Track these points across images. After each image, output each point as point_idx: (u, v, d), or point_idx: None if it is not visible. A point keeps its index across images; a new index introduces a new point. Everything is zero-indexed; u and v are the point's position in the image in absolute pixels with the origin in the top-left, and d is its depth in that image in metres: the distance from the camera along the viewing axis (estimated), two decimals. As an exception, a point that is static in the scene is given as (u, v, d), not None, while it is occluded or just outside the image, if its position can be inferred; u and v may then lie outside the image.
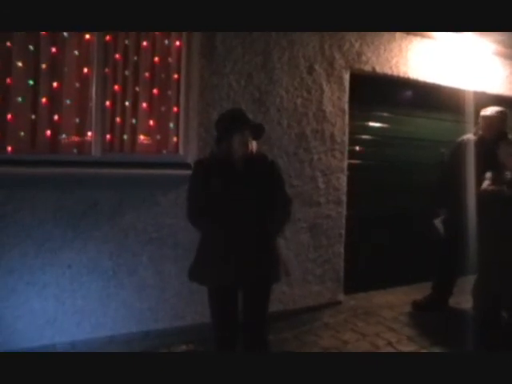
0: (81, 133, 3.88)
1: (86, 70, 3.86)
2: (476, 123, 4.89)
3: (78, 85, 3.84)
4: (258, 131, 3.01)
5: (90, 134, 3.87)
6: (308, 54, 4.63)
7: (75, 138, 3.87)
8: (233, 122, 2.94)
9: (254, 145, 3.00)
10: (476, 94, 5.71)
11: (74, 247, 3.70)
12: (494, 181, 4.34)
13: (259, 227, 2.95)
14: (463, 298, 4.79)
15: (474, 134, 4.78)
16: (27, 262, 3.54)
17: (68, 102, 3.81)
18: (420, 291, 5.20)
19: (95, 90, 3.85)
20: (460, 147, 4.79)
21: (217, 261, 2.92)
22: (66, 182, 3.65)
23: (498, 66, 6.07)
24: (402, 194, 5.52)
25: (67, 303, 3.67)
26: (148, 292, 3.97)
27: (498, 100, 5.58)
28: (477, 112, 5.11)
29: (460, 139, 4.87)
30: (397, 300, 5.23)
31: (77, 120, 3.86)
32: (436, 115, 5.82)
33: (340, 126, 4.86)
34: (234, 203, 2.90)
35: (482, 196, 4.34)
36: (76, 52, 3.82)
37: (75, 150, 3.85)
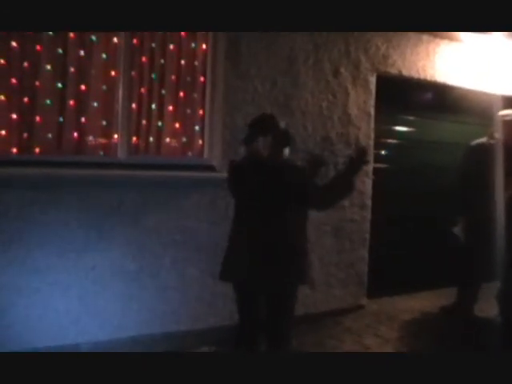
0: (107, 135, 3.92)
1: (112, 72, 3.89)
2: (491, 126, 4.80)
3: (104, 87, 3.88)
4: (284, 138, 3.02)
5: (116, 136, 3.91)
6: (333, 57, 4.60)
7: (101, 140, 3.91)
8: (257, 126, 2.99)
9: (286, 150, 3.04)
10: (502, 97, 5.61)
11: (98, 248, 3.74)
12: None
13: (283, 228, 2.94)
14: (488, 305, 4.73)
15: (490, 138, 4.66)
16: (52, 262, 3.58)
17: (95, 104, 3.85)
18: (443, 297, 5.16)
19: (122, 92, 3.88)
20: (476, 151, 4.69)
21: (238, 258, 2.98)
22: (92, 183, 3.70)
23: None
24: (427, 199, 5.46)
25: (90, 304, 3.71)
26: (170, 294, 3.99)
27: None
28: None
29: (474, 143, 4.76)
30: (420, 305, 5.19)
31: (103, 122, 3.90)
32: (462, 119, 5.74)
33: (365, 129, 4.83)
34: (257, 204, 2.94)
35: (509, 203, 4.29)
36: (103, 55, 3.86)
37: (101, 152, 3.90)
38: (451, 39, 5.29)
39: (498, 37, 5.26)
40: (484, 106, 5.54)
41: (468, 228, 4.63)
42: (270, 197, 2.92)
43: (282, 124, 3.04)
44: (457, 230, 4.67)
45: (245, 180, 3.02)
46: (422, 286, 5.54)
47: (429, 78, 5.20)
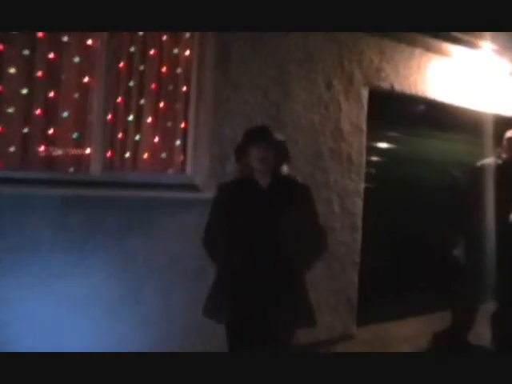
0: (79, 149, 3.44)
1: (86, 78, 3.44)
2: (497, 145, 4.56)
3: (77, 95, 3.42)
4: (283, 151, 2.68)
5: (88, 150, 3.44)
6: (326, 68, 4.27)
7: (72, 155, 3.43)
8: (252, 137, 2.64)
9: (284, 167, 2.72)
10: (490, 116, 5.40)
11: (77, 273, 3.27)
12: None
13: (283, 261, 2.61)
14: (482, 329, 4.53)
15: (497, 158, 4.41)
16: (22, 292, 3.07)
17: (65, 114, 3.38)
18: (434, 322, 4.88)
19: (96, 101, 3.43)
20: (482, 172, 4.40)
21: (232, 297, 2.61)
22: (65, 201, 3.21)
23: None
24: (421, 219, 5.17)
25: (66, 337, 3.17)
26: (154, 323, 3.53)
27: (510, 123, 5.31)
28: (493, 134, 4.86)
29: (481, 163, 4.48)
30: (412, 333, 4.86)
31: (75, 134, 3.42)
32: (450, 136, 5.50)
33: (357, 146, 4.51)
34: (255, 232, 2.58)
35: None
36: (76, 58, 3.40)
37: (72, 168, 3.42)
38: (442, 53, 5.05)
39: (487, 53, 5.05)
40: (471, 124, 5.34)
41: (470, 251, 4.33)
42: (276, 225, 2.58)
43: (279, 136, 2.68)
44: (456, 251, 4.37)
45: (242, 206, 2.63)
46: (412, 310, 5.21)
47: (420, 93, 4.93)
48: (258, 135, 2.62)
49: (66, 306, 3.22)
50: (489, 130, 5.09)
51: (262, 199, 2.61)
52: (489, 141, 5.01)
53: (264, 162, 2.58)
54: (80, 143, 3.45)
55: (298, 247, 2.67)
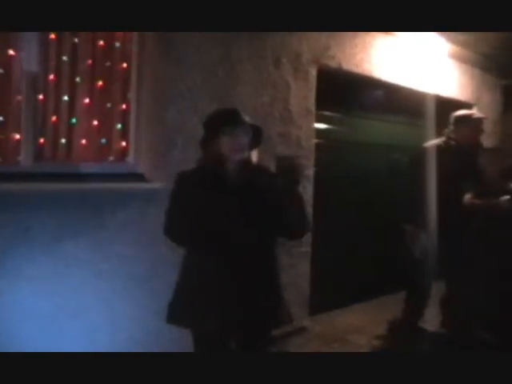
0: (5, 136, 2.94)
1: (10, 51, 2.93)
2: (441, 127, 4.45)
3: (0, 72, 2.90)
4: (255, 135, 2.37)
5: (17, 136, 2.95)
6: (275, 44, 3.96)
7: (-3, 143, 2.93)
8: (220, 121, 2.29)
9: (253, 155, 2.42)
10: (430, 96, 5.32)
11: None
12: (478, 193, 3.96)
13: (258, 258, 2.32)
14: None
15: (447, 139, 4.29)
16: None
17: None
18: (383, 308, 4.85)
19: (24, 79, 2.93)
20: (430, 153, 4.27)
21: (202, 299, 2.27)
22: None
23: (452, 68, 5.75)
24: (361, 206, 5.02)
25: None
26: (95, 336, 3.10)
27: (450, 104, 5.28)
28: (433, 116, 4.80)
29: (429, 144, 4.35)
30: (364, 321, 4.73)
31: (-1, 119, 2.92)
32: (393, 118, 5.39)
33: (306, 128, 4.25)
34: (225, 226, 2.24)
35: (469, 211, 3.95)
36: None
37: (-2, 159, 2.91)
38: (386, 33, 4.87)
39: (430, 33, 4.95)
40: (411, 105, 5.23)
41: (421, 236, 4.21)
42: (251, 220, 2.26)
43: (248, 119, 2.35)
44: (409, 238, 4.24)
45: (210, 201, 2.26)
46: (356, 297, 5.11)
47: (366, 72, 4.73)
48: (231, 119, 2.28)
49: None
50: (431, 111, 4.99)
51: (233, 192, 2.27)
52: (431, 123, 4.91)
53: (239, 151, 2.26)
54: (6, 129, 2.95)
55: (277, 236, 2.43)
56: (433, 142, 4.31)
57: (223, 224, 2.23)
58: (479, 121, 4.26)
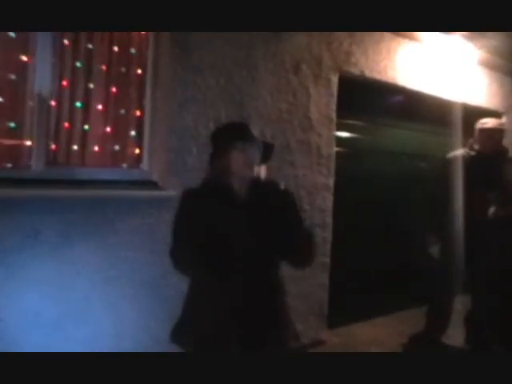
0: (17, 140, 2.93)
1: (23, 57, 2.92)
2: (468, 136, 4.31)
3: (13, 77, 2.90)
4: (266, 151, 2.26)
5: (29, 142, 2.93)
6: (294, 50, 3.88)
7: (9, 147, 2.92)
8: (231, 136, 2.19)
9: (263, 170, 2.28)
10: (457, 104, 5.17)
11: (5, 292, 2.75)
12: (504, 204, 3.81)
13: (266, 278, 2.24)
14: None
15: (470, 149, 4.16)
16: None
17: (-1, 99, 2.86)
18: (404, 321, 4.72)
19: (37, 84, 2.91)
20: (454, 163, 4.14)
21: (206, 321, 2.19)
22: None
23: (481, 76, 5.59)
24: (383, 216, 4.88)
25: None
26: (102, 344, 3.05)
27: (479, 113, 5.11)
28: (462, 125, 4.65)
29: (452, 155, 4.23)
30: (384, 334, 4.59)
31: (11, 124, 2.90)
32: (418, 127, 5.24)
33: (327, 136, 4.16)
34: (233, 246, 2.14)
35: (493, 223, 3.81)
36: (11, 32, 2.87)
37: (9, 164, 2.89)
38: (411, 38, 4.75)
39: (456, 38, 4.80)
40: (437, 113, 5.08)
41: (444, 248, 4.07)
42: (258, 240, 2.16)
43: (256, 133, 2.28)
44: (433, 250, 4.11)
45: (217, 219, 2.15)
46: (379, 310, 4.96)
47: (390, 80, 4.62)
48: (242, 134, 2.19)
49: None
50: (458, 120, 4.85)
51: (241, 210, 2.17)
52: (458, 131, 4.77)
53: (250, 167, 2.17)
54: (18, 134, 2.93)
55: (285, 260, 2.29)
56: (456, 153, 4.18)
57: (230, 242, 2.15)
58: (501, 131, 4.11)
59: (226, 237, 2.13)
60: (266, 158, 2.28)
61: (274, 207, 2.21)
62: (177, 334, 2.29)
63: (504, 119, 5.86)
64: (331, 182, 4.22)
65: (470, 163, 4.02)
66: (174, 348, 2.30)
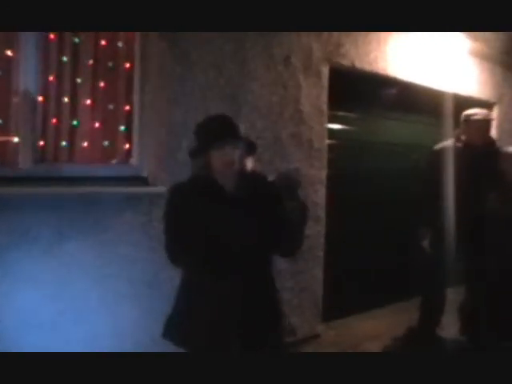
0: (3, 137, 2.87)
1: (8, 52, 2.86)
2: (455, 127, 4.28)
3: (-3, 73, 2.84)
4: (249, 146, 2.22)
5: (16, 139, 2.87)
6: (284, 42, 3.84)
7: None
8: (211, 135, 2.10)
9: (249, 162, 2.28)
10: (448, 95, 5.14)
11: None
12: (499, 197, 3.80)
13: (257, 271, 2.20)
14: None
15: (457, 141, 4.12)
16: None
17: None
18: (399, 314, 4.71)
19: (22, 79, 2.86)
20: (441, 155, 4.08)
21: (201, 318, 2.14)
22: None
23: (472, 66, 5.56)
24: (375, 208, 4.85)
25: None
26: (100, 343, 3.01)
27: (470, 103, 5.08)
28: (453, 115, 4.61)
29: (440, 146, 4.19)
30: (380, 327, 4.56)
31: (-3, 121, 2.84)
32: (409, 117, 5.21)
33: (318, 129, 4.12)
34: (221, 239, 2.09)
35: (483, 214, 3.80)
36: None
37: (-4, 162, 2.84)
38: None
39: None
40: (428, 104, 5.05)
41: (436, 240, 4.04)
42: (246, 234, 2.11)
43: (240, 125, 2.21)
44: (425, 242, 4.09)
45: (204, 213, 2.09)
46: (375, 302, 4.93)
47: (381, 71, 4.58)
48: (220, 131, 2.08)
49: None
50: (449, 110, 4.82)
51: (228, 205, 2.12)
52: (449, 122, 4.74)
53: (230, 166, 2.10)
54: (4, 131, 2.88)
55: (272, 252, 2.28)
56: (444, 144, 4.16)
57: (218, 236, 2.10)
58: (488, 121, 4.09)
59: (213, 230, 2.07)
60: (250, 151, 2.24)
61: (262, 199, 2.18)
62: (169, 331, 2.26)
63: (495, 109, 5.87)
64: (323, 174, 4.19)
65: (456, 155, 3.99)
66: (171, 345, 2.28)
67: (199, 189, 2.14)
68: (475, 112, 4.08)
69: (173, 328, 2.25)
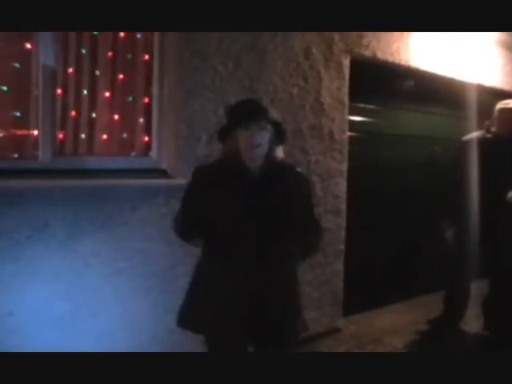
0: (23, 130, 2.88)
1: (27, 45, 2.86)
2: (484, 119, 4.18)
3: (17, 65, 2.84)
4: (278, 131, 2.17)
5: (35, 132, 2.87)
6: (304, 32, 3.77)
7: (15, 138, 2.87)
8: (239, 114, 2.11)
9: (279, 150, 2.22)
10: (472, 86, 5.04)
11: (15, 286, 2.70)
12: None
13: (278, 262, 2.17)
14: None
15: (487, 132, 4.04)
16: None
17: (3, 88, 2.80)
18: (420, 308, 4.68)
19: (41, 72, 2.85)
20: (469, 147, 4.01)
21: (217, 304, 2.13)
22: (4, 197, 2.65)
23: (496, 56, 5.43)
24: (397, 201, 4.77)
25: None
26: (115, 337, 3.02)
27: (494, 94, 4.98)
28: (476, 106, 4.53)
29: (468, 137, 4.12)
30: (400, 322, 4.50)
31: (16, 113, 2.85)
32: (432, 109, 5.12)
33: (339, 121, 4.06)
34: (244, 226, 2.09)
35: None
36: (14, 20, 2.81)
37: (15, 155, 2.85)
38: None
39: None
40: (452, 95, 4.96)
41: (461, 232, 3.97)
42: (268, 222, 2.10)
43: (273, 112, 2.18)
44: (449, 233, 4.02)
45: (226, 198, 2.10)
46: (396, 297, 4.87)
47: (403, 62, 4.49)
48: (247, 114, 2.08)
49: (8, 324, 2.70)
50: (473, 101, 4.72)
51: (252, 190, 2.10)
52: (472, 113, 4.65)
53: (255, 150, 2.08)
54: (24, 124, 2.88)
55: (293, 246, 2.25)
56: (472, 135, 4.08)
57: (238, 223, 2.09)
58: None
59: (231, 214, 2.08)
60: (281, 138, 2.21)
61: (288, 186, 2.17)
62: (182, 318, 2.26)
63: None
64: (345, 167, 4.13)
65: (486, 146, 3.91)
66: (187, 338, 2.26)
67: (223, 170, 2.14)
68: (508, 102, 3.98)
69: (187, 315, 2.24)
